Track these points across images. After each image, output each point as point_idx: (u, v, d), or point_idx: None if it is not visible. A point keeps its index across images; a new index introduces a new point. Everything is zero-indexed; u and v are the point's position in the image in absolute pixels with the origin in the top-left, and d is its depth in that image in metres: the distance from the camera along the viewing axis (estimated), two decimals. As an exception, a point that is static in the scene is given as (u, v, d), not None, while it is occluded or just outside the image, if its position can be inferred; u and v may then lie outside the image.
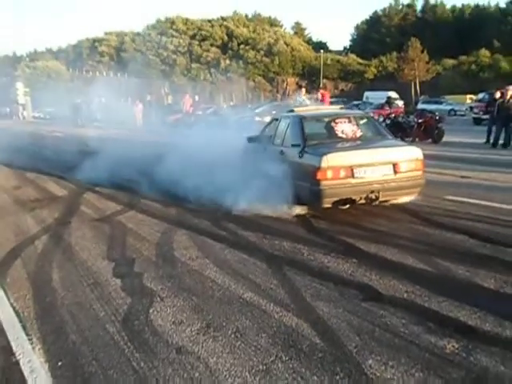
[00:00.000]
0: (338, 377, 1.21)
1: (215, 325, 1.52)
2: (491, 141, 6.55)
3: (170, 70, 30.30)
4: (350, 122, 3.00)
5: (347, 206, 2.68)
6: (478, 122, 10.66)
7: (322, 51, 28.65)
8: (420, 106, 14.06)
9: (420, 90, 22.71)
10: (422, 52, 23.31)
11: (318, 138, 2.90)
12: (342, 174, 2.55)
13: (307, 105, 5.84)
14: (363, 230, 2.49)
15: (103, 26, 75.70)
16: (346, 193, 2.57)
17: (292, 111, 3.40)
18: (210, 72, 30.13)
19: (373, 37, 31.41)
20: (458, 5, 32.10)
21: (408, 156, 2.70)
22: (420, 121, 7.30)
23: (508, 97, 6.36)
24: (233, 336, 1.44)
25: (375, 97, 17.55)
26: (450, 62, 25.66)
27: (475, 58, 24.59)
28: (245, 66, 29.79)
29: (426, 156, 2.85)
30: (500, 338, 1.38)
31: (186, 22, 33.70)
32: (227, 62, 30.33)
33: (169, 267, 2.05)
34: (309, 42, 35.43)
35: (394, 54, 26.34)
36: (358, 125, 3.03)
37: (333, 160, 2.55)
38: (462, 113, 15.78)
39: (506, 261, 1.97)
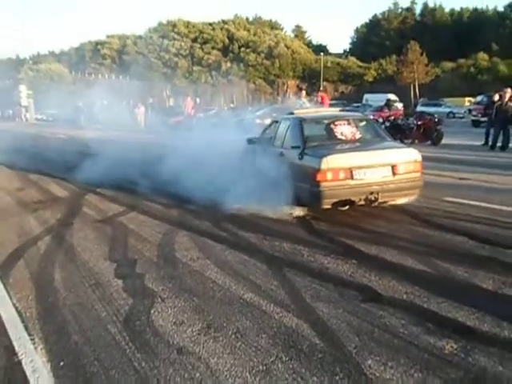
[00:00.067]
0: (337, 377, 1.22)
1: (216, 325, 1.53)
2: (489, 143, 6.59)
3: (172, 73, 30.52)
4: (349, 124, 3.03)
5: (347, 207, 2.69)
6: (476, 124, 10.71)
7: (322, 54, 28.92)
8: (419, 108, 14.14)
9: (419, 93, 22.85)
10: (421, 55, 23.49)
11: (317, 140, 2.93)
12: (342, 175, 2.58)
13: (307, 107, 5.89)
14: (363, 232, 2.51)
15: (105, 29, 76.13)
16: (345, 194, 2.59)
17: (292, 113, 3.45)
18: (211, 75, 30.36)
19: (372, 40, 31.67)
20: (457, 8, 32.44)
21: (406, 158, 2.73)
22: (419, 123, 7.33)
23: (506, 99, 6.41)
24: (233, 336, 1.45)
25: (375, 99, 17.62)
26: (448, 64, 25.84)
27: (474, 61, 24.77)
28: (245, 69, 30.03)
29: (425, 158, 2.87)
30: (498, 338, 1.39)
31: (187, 25, 34.03)
32: (228, 64, 30.57)
33: (170, 268, 2.07)
34: (309, 44, 35.73)
35: (394, 56, 26.56)
36: (357, 127, 3.06)
37: (332, 162, 2.58)
38: (461, 115, 15.89)
39: (504, 262, 1.98)
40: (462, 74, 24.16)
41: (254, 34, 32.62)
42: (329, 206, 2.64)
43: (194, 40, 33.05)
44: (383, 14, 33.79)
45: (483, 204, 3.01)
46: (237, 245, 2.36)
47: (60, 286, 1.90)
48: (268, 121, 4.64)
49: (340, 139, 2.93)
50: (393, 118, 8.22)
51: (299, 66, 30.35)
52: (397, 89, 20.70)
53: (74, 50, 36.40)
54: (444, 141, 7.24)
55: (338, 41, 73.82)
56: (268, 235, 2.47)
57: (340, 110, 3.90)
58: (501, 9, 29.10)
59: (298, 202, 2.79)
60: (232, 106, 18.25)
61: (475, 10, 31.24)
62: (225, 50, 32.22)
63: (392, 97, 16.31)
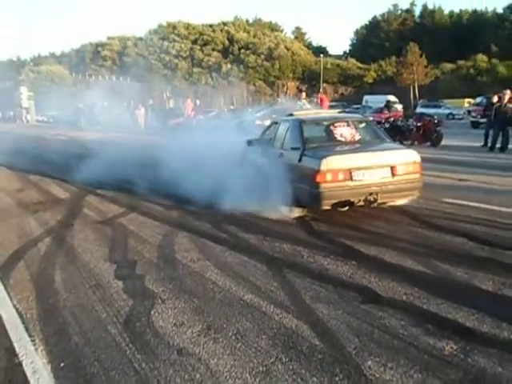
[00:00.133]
0: (337, 378, 1.22)
1: (216, 326, 1.53)
2: (489, 144, 6.60)
3: (172, 75, 30.61)
4: (348, 125, 3.05)
5: (346, 208, 2.70)
6: (475, 125, 10.71)
7: (321, 55, 28.95)
8: (419, 109, 14.16)
9: (419, 94, 22.90)
10: (421, 56, 23.57)
11: (317, 142, 2.94)
12: (341, 176, 2.59)
13: (307, 108, 5.91)
14: (362, 233, 2.51)
15: (106, 30, 76.76)
16: (344, 195, 2.60)
17: (291, 115, 3.46)
18: (211, 76, 30.46)
19: (372, 41, 31.76)
20: (456, 10, 32.44)
21: (405, 159, 2.74)
22: (419, 124, 7.36)
23: (505, 101, 6.43)
24: (233, 338, 1.46)
25: (374, 101, 17.67)
26: (448, 66, 25.92)
27: (473, 62, 24.84)
28: (245, 71, 30.11)
29: (424, 159, 2.88)
30: (498, 339, 1.40)
31: (187, 26, 34.16)
32: (228, 66, 30.66)
33: (170, 269, 2.07)
34: (309, 46, 35.81)
35: (393, 58, 26.64)
36: (356, 128, 3.07)
37: (332, 163, 2.59)
38: (460, 116, 15.92)
39: (504, 263, 1.98)
40: (462, 76, 24.23)
41: (254, 36, 32.74)
42: (328, 207, 2.65)
43: (194, 42, 33.16)
44: (383, 15, 33.89)
45: (482, 205, 3.01)
46: (237, 246, 2.37)
47: (60, 288, 1.91)
48: (268, 122, 4.65)
49: (339, 141, 2.95)
50: (392, 119, 8.24)
51: (299, 68, 30.44)
52: (396, 90, 20.75)
53: (74, 52, 36.53)
54: (443, 142, 7.25)
55: (338, 42, 74.35)
56: (268, 236, 2.48)
57: (339, 112, 3.91)
58: (500, 10, 29.30)
59: (298, 203, 2.79)
60: (232, 107, 18.30)
61: (474, 11, 31.38)
62: (225, 52, 32.33)
63: (392, 98, 16.37)
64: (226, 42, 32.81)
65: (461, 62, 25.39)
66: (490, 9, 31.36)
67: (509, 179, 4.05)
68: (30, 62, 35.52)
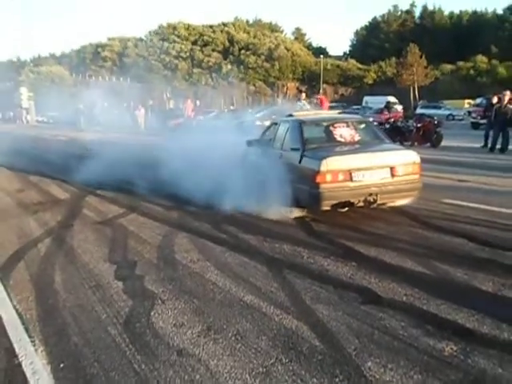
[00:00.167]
0: (337, 379, 1.22)
1: (216, 327, 1.53)
2: (489, 145, 6.61)
3: (172, 75, 30.66)
4: (348, 126, 3.05)
5: (346, 208, 2.71)
6: (475, 126, 10.73)
7: (322, 56, 29.00)
8: (419, 110, 14.18)
9: (419, 95, 22.95)
10: (421, 57, 23.62)
11: (316, 142, 2.94)
12: (341, 177, 2.59)
13: (307, 109, 5.92)
14: (362, 234, 2.51)
15: (106, 31, 76.90)
16: (344, 196, 2.60)
17: (291, 115, 3.46)
18: (211, 77, 30.50)
19: (372, 42, 31.83)
20: (456, 11, 32.46)
21: (405, 160, 2.74)
22: (419, 125, 7.36)
23: (505, 102, 6.44)
24: (233, 338, 1.46)
25: (374, 101, 17.71)
26: (448, 67, 25.97)
27: (473, 63, 24.91)
28: (245, 71, 30.19)
29: (424, 160, 2.89)
30: (498, 340, 1.40)
31: (187, 27, 34.24)
32: (228, 66, 30.72)
33: (170, 270, 2.07)
34: (309, 47, 35.86)
35: (393, 59, 26.68)
36: (356, 129, 3.07)
37: (332, 164, 2.59)
38: (460, 117, 15.96)
39: (504, 264, 1.98)
40: (462, 77, 24.28)
41: (254, 37, 32.81)
42: (328, 208, 2.66)
43: (195, 42, 33.23)
44: (383, 16, 33.96)
45: (482, 206, 3.01)
46: (237, 247, 2.37)
47: (60, 288, 1.91)
48: (268, 123, 4.66)
49: (339, 141, 2.95)
50: (392, 120, 8.27)
51: (299, 69, 30.49)
52: (396, 91, 20.79)
53: (74, 53, 36.57)
54: (443, 143, 7.26)
55: (338, 43, 74.33)
56: (268, 237, 2.48)
57: (339, 113, 3.92)
58: (500, 11, 29.38)
59: (298, 203, 2.80)
60: (232, 108, 18.33)
61: (474, 12, 31.42)
62: (225, 53, 32.40)
63: (392, 99, 16.41)
64: (226, 43, 32.89)
65: (461, 63, 25.46)
66: (490, 10, 31.31)
67: (509, 180, 4.06)
68: (30, 63, 35.59)
